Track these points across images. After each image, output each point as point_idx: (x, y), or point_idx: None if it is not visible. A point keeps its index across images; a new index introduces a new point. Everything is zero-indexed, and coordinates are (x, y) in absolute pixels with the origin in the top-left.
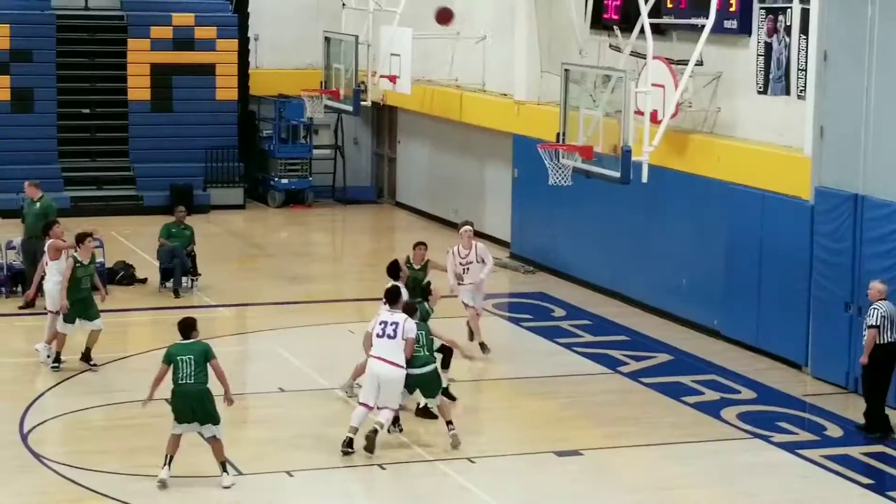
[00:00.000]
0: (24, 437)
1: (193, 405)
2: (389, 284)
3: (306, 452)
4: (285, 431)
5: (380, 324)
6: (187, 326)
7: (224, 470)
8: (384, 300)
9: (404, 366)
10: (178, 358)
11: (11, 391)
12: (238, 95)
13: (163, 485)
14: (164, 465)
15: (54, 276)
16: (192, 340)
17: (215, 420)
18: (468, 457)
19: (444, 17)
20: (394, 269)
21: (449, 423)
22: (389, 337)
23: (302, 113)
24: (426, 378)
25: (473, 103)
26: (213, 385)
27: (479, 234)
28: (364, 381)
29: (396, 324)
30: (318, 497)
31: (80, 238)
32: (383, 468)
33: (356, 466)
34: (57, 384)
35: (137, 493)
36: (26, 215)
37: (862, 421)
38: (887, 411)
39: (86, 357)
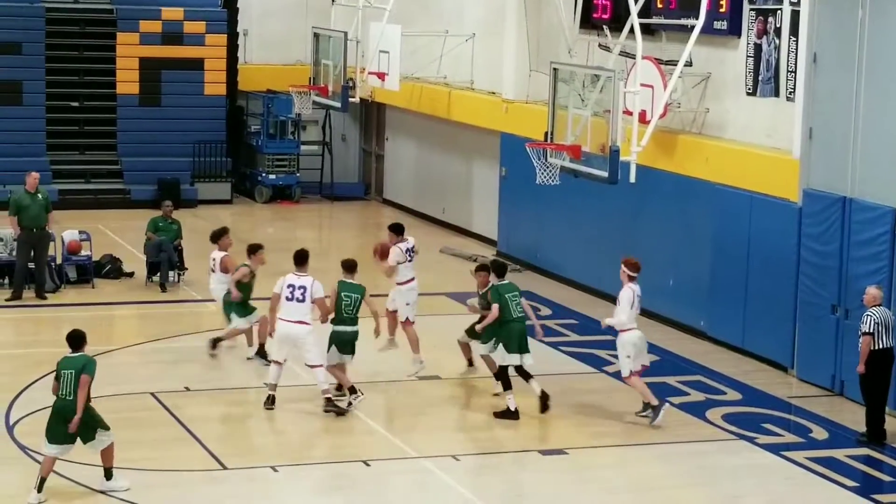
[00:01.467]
0: (9, 429)
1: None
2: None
3: (291, 448)
4: (269, 426)
5: (287, 287)
6: (75, 339)
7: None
8: (294, 262)
9: (310, 322)
10: (63, 372)
11: None
12: (226, 90)
13: None
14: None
15: (221, 284)
16: (78, 354)
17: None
18: (452, 454)
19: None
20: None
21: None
22: (298, 300)
23: (290, 109)
24: (347, 336)
25: (462, 101)
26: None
27: (465, 233)
28: (274, 343)
29: (304, 287)
30: (302, 492)
31: (253, 249)
32: (367, 464)
33: (340, 463)
34: (43, 377)
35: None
36: (28, 207)
37: (862, 429)
38: (887, 417)
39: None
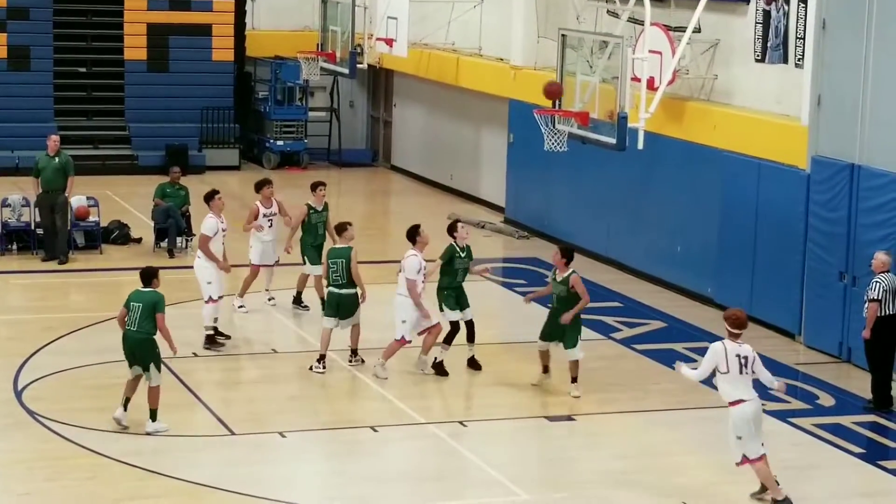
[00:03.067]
0: (18, 395)
1: (134, 351)
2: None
3: (299, 414)
4: (278, 392)
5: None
6: (146, 275)
7: (153, 417)
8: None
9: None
10: (132, 304)
11: (6, 348)
12: (234, 56)
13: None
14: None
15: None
16: (148, 290)
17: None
18: (460, 420)
19: (553, 92)
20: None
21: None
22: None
23: (298, 75)
24: (332, 298)
25: (470, 68)
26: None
27: (473, 199)
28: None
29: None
30: (310, 458)
31: (314, 186)
32: (375, 430)
33: (349, 429)
34: (51, 342)
35: (130, 452)
36: (44, 170)
37: (869, 397)
38: (894, 384)
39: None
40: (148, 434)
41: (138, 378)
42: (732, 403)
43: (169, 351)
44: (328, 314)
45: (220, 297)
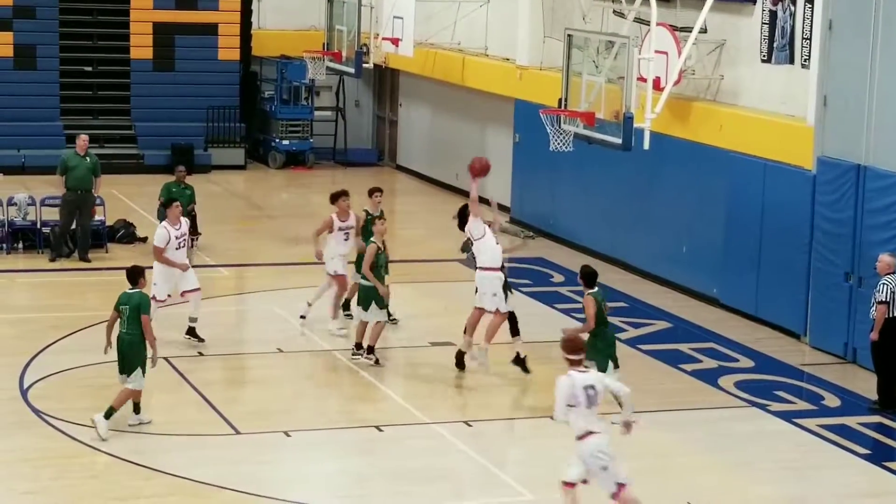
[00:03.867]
0: (23, 393)
1: (125, 353)
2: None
3: (304, 413)
4: (283, 392)
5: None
6: (133, 274)
7: (108, 415)
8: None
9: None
10: (121, 307)
11: (12, 347)
12: (240, 56)
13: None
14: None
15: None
16: (135, 291)
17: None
18: (465, 420)
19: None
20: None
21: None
22: None
23: (304, 74)
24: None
25: (475, 67)
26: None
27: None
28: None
29: None
30: (314, 458)
31: (371, 192)
32: (381, 430)
33: (353, 428)
34: (56, 341)
35: (135, 451)
36: (74, 168)
37: (874, 398)
38: None
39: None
40: (93, 424)
41: None
42: (580, 437)
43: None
44: (362, 307)
45: (167, 298)
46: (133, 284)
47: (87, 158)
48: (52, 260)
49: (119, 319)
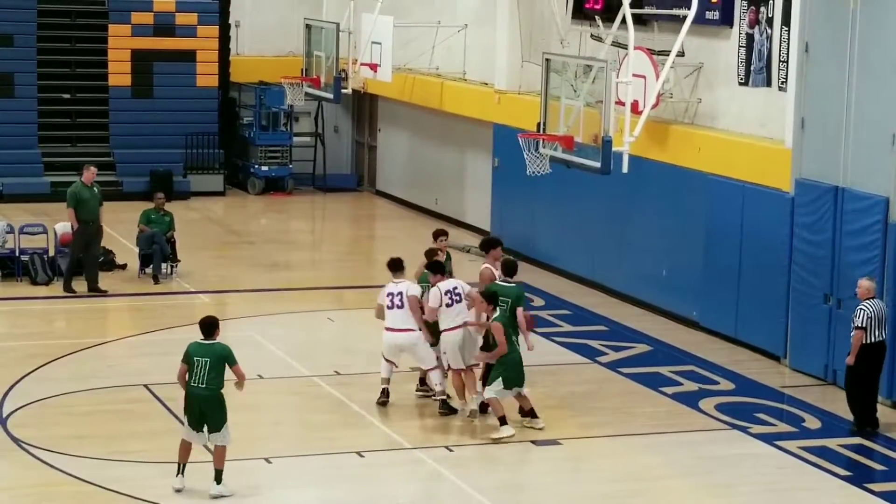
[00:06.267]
0: (2, 422)
1: (204, 410)
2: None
3: (284, 439)
4: (264, 418)
5: (387, 296)
6: (210, 326)
7: (218, 480)
8: (390, 269)
9: (416, 328)
10: (195, 359)
11: None
12: (218, 82)
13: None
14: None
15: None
16: (212, 342)
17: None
18: (446, 445)
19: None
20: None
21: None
22: (398, 307)
23: (282, 100)
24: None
25: (454, 92)
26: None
27: (458, 224)
28: (385, 350)
29: (401, 293)
30: (296, 484)
31: (436, 235)
32: (361, 455)
33: (334, 454)
34: (36, 369)
35: (115, 479)
36: (87, 201)
37: (851, 418)
38: (879, 407)
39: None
40: (213, 497)
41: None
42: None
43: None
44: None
45: None
46: (209, 336)
47: (95, 189)
48: (68, 290)
49: (191, 373)
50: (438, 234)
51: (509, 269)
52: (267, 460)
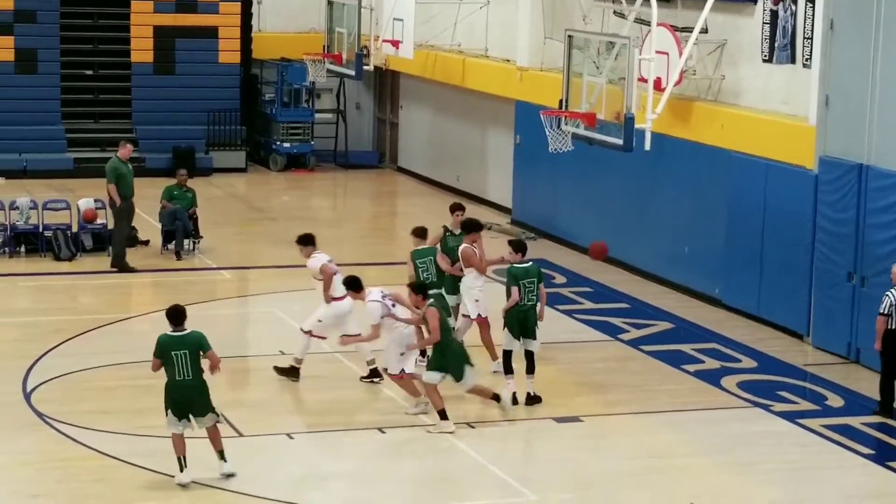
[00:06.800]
0: (27, 396)
1: (193, 400)
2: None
3: (306, 415)
4: (285, 394)
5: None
6: (178, 315)
7: (224, 458)
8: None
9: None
10: (173, 353)
11: (15, 350)
12: (241, 59)
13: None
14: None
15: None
16: (183, 332)
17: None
18: (468, 422)
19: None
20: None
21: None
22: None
23: (304, 77)
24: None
25: (476, 69)
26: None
27: (480, 201)
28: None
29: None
30: (317, 459)
31: (453, 209)
32: (383, 432)
33: (357, 430)
34: (60, 344)
35: (138, 453)
36: (125, 176)
37: (877, 397)
38: None
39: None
40: (226, 476)
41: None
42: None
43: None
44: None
45: None
46: (177, 325)
47: (130, 165)
48: (114, 266)
49: (169, 367)
50: (455, 209)
51: (523, 249)
52: (289, 436)
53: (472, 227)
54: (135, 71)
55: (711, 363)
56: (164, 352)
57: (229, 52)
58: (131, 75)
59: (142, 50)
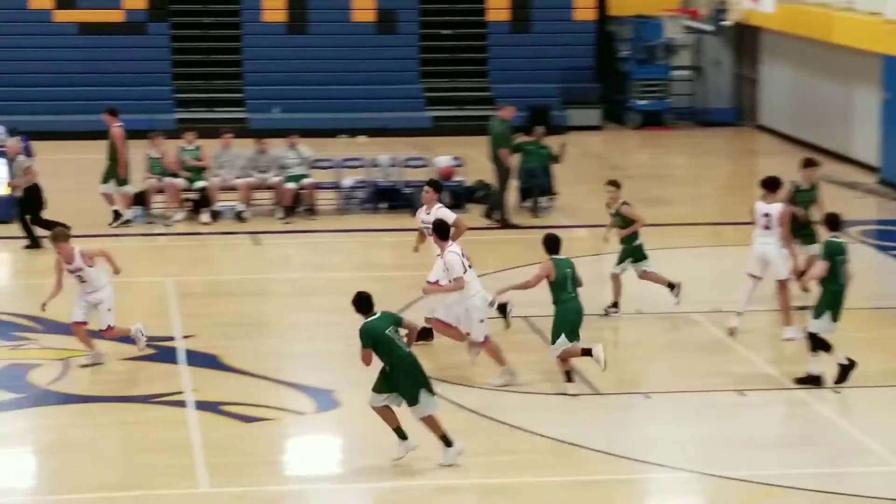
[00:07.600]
0: None
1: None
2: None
3: (664, 375)
4: (641, 353)
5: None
6: (365, 301)
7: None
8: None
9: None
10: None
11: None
12: (596, 15)
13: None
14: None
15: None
16: (381, 314)
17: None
18: (831, 387)
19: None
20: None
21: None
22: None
23: (660, 33)
24: None
25: (841, 23)
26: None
27: (843, 159)
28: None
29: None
30: (673, 421)
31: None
32: (743, 394)
33: (714, 391)
34: (415, 301)
35: (496, 407)
36: (510, 138)
37: None
38: None
39: None
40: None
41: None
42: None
43: None
44: None
45: None
46: (368, 313)
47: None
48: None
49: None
50: (808, 163)
51: (837, 225)
52: (646, 395)
53: (773, 186)
54: (491, 30)
55: None
56: (378, 341)
57: (585, 10)
58: (487, 34)
59: (498, 8)
